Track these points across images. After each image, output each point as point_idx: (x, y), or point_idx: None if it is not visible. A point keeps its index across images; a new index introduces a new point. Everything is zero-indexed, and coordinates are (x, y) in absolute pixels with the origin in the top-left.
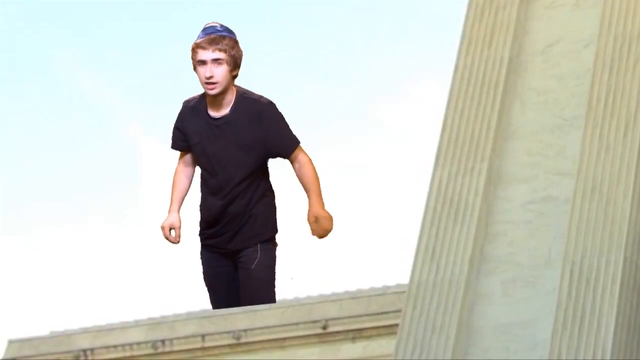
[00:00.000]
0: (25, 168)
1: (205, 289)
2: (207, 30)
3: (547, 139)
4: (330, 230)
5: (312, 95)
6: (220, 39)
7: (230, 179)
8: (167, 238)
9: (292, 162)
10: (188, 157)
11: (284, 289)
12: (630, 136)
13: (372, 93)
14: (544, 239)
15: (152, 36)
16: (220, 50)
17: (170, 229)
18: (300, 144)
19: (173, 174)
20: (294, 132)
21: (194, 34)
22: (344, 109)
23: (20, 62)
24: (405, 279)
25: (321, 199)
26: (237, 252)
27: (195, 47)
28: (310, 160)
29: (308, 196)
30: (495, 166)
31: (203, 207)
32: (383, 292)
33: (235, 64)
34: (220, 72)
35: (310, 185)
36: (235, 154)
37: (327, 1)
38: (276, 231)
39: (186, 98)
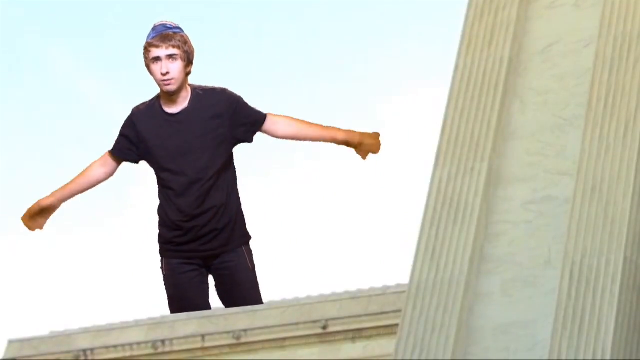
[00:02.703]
0: (25, 167)
1: (170, 300)
2: (158, 29)
3: (547, 139)
4: (378, 145)
5: (312, 96)
6: (173, 35)
7: (201, 174)
8: (30, 214)
9: (272, 130)
10: (110, 161)
11: (284, 289)
12: (630, 136)
13: (372, 93)
14: (544, 239)
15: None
16: (173, 46)
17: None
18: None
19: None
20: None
21: (193, 34)
22: (344, 109)
23: (19, 61)
24: (405, 279)
25: (334, 129)
26: (215, 256)
27: (148, 46)
28: (286, 116)
29: (325, 138)
30: (495, 166)
31: (171, 212)
32: (383, 292)
33: (188, 59)
34: (175, 68)
35: (311, 128)
36: (201, 147)
37: (327, 1)
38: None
39: (134, 106)
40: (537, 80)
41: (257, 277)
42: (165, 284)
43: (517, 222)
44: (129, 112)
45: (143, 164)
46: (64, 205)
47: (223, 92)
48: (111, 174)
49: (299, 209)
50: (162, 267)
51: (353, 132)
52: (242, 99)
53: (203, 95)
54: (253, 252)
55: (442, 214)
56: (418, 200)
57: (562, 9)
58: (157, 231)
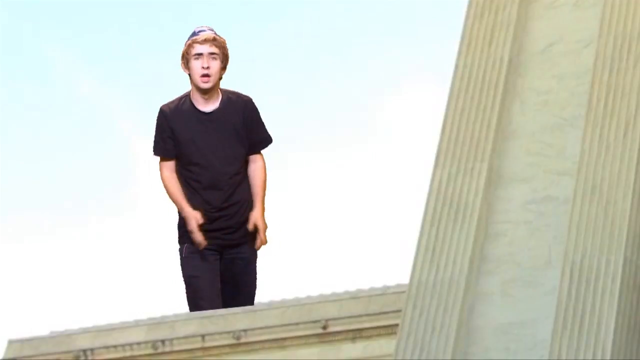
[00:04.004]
0: (23, 168)
1: (189, 280)
2: (202, 30)
3: (547, 139)
4: (265, 243)
5: (312, 96)
6: (216, 37)
7: (226, 171)
8: (198, 239)
9: (250, 160)
10: (171, 163)
11: (284, 289)
12: (630, 136)
13: (372, 93)
14: (544, 239)
15: (149, 37)
16: (216, 46)
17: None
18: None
19: (164, 182)
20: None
21: (187, 33)
22: (344, 109)
23: (18, 61)
24: (405, 279)
25: (263, 206)
26: (235, 245)
27: (192, 43)
28: (265, 165)
29: (255, 200)
30: (495, 166)
31: (197, 203)
32: (383, 292)
33: (225, 63)
34: (215, 66)
35: (261, 191)
36: (229, 146)
37: (327, 1)
38: None
39: (162, 105)
40: (537, 80)
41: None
42: (183, 267)
43: (517, 222)
44: (127, 112)
45: (138, 162)
46: (63, 205)
47: (249, 101)
48: (175, 170)
49: (299, 209)
50: (180, 251)
51: (263, 219)
52: (260, 115)
53: (234, 99)
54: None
55: (442, 214)
56: (418, 200)
57: (562, 9)
58: (178, 220)
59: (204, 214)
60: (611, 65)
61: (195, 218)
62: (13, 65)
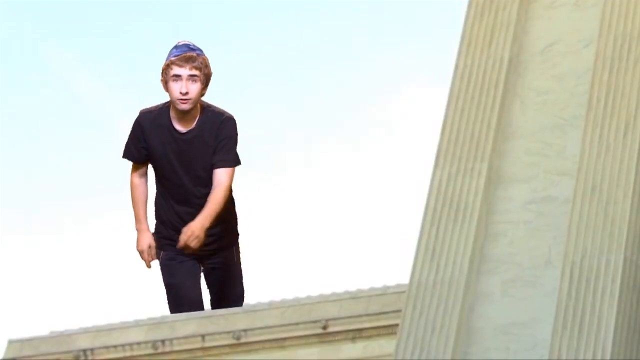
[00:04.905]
0: (25, 166)
1: (168, 288)
2: (181, 49)
3: (547, 139)
4: (191, 249)
5: (312, 96)
6: (196, 57)
7: (197, 191)
8: (145, 260)
9: (214, 174)
10: (144, 168)
11: (284, 289)
12: (630, 136)
13: (372, 93)
14: (544, 239)
15: (148, 37)
16: (196, 68)
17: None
18: (236, 168)
19: (131, 188)
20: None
21: (190, 34)
22: (344, 109)
23: (16, 62)
24: (405, 279)
25: (209, 222)
26: (211, 254)
27: (170, 64)
28: (229, 188)
29: (202, 211)
30: (495, 166)
31: (170, 214)
32: (383, 292)
33: (207, 82)
34: (194, 89)
35: (213, 207)
36: (201, 167)
37: (327, 2)
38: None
39: (142, 109)
40: (537, 80)
41: (242, 270)
42: (162, 273)
43: (517, 222)
44: (125, 112)
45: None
46: (63, 204)
47: (229, 119)
48: (146, 174)
49: (299, 209)
50: (158, 258)
51: (202, 226)
52: (236, 137)
53: (210, 117)
54: (253, 251)
55: (442, 214)
56: (418, 200)
57: (562, 9)
58: (155, 224)
59: (175, 226)
60: (611, 65)
61: (148, 238)
62: (13, 65)
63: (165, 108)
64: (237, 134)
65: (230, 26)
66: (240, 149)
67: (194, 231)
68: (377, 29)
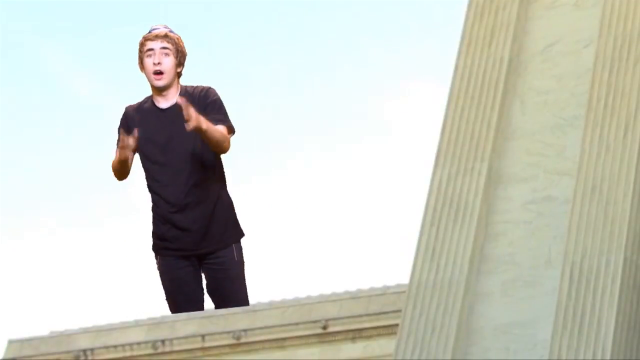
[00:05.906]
0: (25, 168)
1: (167, 294)
2: (155, 28)
3: (547, 139)
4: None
5: (312, 96)
6: (168, 33)
7: (186, 165)
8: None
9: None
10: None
11: (284, 289)
12: (630, 136)
13: (372, 93)
14: (544, 239)
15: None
16: (168, 41)
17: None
18: (235, 169)
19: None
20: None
21: (190, 34)
22: (344, 109)
23: (13, 59)
24: (405, 279)
25: (204, 125)
26: (209, 253)
27: (144, 41)
28: (227, 139)
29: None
30: (495, 166)
31: (161, 205)
32: (383, 292)
33: (180, 59)
34: (167, 62)
35: (211, 125)
36: (186, 140)
37: (327, 2)
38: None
39: (127, 105)
40: (537, 80)
41: (245, 272)
42: (161, 280)
43: (517, 222)
44: (121, 110)
45: (139, 161)
46: (63, 204)
47: (208, 89)
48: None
49: (299, 209)
50: (156, 264)
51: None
52: (219, 99)
53: (191, 91)
54: (253, 251)
55: (442, 214)
56: (418, 200)
57: (562, 9)
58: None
59: (167, 218)
60: (611, 65)
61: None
62: (13, 65)
63: (148, 97)
64: (221, 100)
65: (231, 26)
66: (240, 149)
67: (191, 114)
68: (377, 29)
